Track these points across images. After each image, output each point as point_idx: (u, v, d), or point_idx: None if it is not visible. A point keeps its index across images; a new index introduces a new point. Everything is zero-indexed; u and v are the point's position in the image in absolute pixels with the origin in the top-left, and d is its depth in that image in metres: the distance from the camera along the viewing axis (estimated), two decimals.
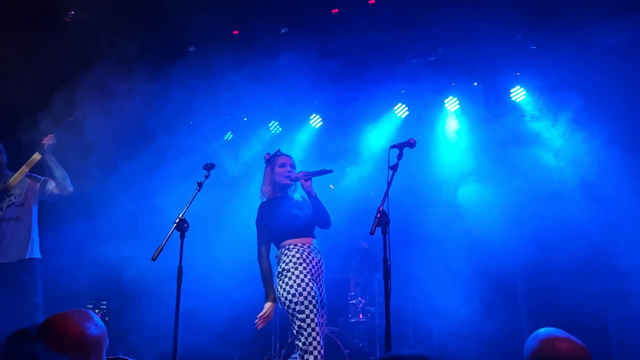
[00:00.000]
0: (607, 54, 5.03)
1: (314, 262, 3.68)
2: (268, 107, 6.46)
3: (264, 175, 4.04)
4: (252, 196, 6.20)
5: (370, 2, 5.22)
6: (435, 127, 6.09)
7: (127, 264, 5.54)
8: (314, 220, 3.83)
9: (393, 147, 3.31)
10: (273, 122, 6.72)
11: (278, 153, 4.07)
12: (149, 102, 5.84)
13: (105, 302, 6.12)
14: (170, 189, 5.59)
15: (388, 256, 2.95)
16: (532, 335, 1.96)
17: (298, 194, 3.95)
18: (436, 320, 5.87)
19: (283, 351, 5.29)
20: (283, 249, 3.73)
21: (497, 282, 5.46)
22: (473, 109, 5.81)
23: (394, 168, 3.21)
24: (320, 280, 3.72)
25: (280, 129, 6.75)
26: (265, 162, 4.07)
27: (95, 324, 1.93)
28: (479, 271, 5.40)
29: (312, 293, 3.50)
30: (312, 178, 3.75)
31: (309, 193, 3.76)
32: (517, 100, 5.70)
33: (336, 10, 5.40)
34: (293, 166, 3.99)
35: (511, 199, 5.14)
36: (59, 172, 4.53)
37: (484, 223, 5.27)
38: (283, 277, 3.60)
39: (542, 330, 1.96)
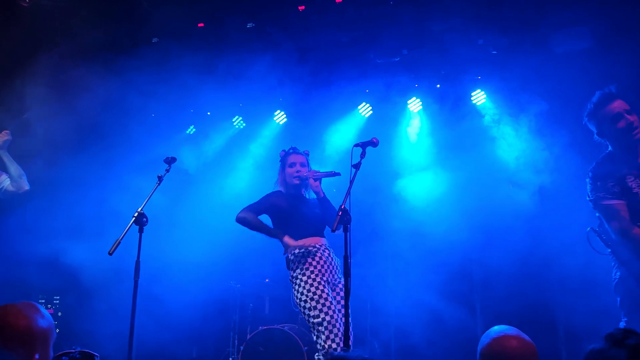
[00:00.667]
0: (563, 61, 5.21)
1: (322, 261, 3.76)
2: (232, 102, 6.40)
3: (278, 174, 4.14)
4: (213, 192, 6.22)
5: (337, 0, 5.24)
6: (398, 127, 6.17)
7: (83, 260, 5.41)
8: (323, 220, 3.91)
9: (356, 145, 3.35)
10: (237, 117, 6.66)
11: (290, 151, 4.12)
12: (109, 93, 5.70)
13: (58, 297, 5.95)
14: (127, 183, 5.48)
15: (349, 254, 2.99)
16: (486, 333, 2.03)
17: (312, 192, 4.01)
18: (394, 316, 5.97)
19: (242, 348, 5.26)
20: (291, 253, 3.81)
21: (453, 277, 5.58)
22: (435, 110, 5.92)
23: (356, 167, 3.25)
24: (335, 275, 3.83)
25: (244, 124, 6.70)
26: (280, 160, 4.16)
27: (42, 315, 1.88)
28: (437, 268, 5.51)
29: (324, 295, 3.61)
30: (321, 179, 3.88)
31: (317, 193, 3.88)
32: (478, 104, 5.84)
33: (303, 7, 5.39)
34: (304, 164, 4.04)
35: (469, 199, 5.27)
36: (14, 168, 4.38)
37: (442, 221, 5.39)
38: (295, 284, 3.75)
39: (495, 328, 2.03)
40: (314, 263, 3.72)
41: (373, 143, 3.37)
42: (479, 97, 5.82)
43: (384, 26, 5.61)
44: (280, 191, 4.06)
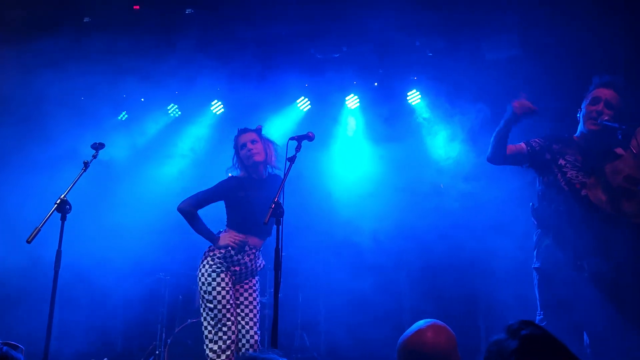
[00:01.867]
0: (496, 67, 5.42)
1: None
2: (168, 89, 6.22)
3: (232, 159, 4.00)
4: (144, 180, 6.02)
5: None
6: (335, 122, 6.22)
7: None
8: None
9: (292, 139, 3.35)
10: (172, 105, 6.48)
11: (237, 134, 3.97)
12: (37, 74, 5.40)
13: None
14: (55, 167, 5.22)
15: (280, 247, 2.98)
16: (411, 327, 2.08)
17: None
18: (324, 309, 6.05)
19: (169, 341, 5.15)
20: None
21: (383, 271, 5.71)
22: (372, 108, 6.01)
23: (291, 160, 3.25)
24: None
25: (180, 112, 6.53)
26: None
27: None
28: (368, 262, 5.61)
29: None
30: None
31: None
32: (413, 104, 5.98)
33: None
34: (255, 141, 3.88)
35: (400, 196, 5.40)
36: None
37: (373, 216, 5.50)
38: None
39: (420, 322, 2.07)
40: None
41: (309, 137, 3.38)
42: (414, 97, 5.97)
43: (325, 22, 5.64)
44: (237, 177, 3.91)
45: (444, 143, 5.60)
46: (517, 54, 5.40)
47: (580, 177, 3.34)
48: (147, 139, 6.39)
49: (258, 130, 4.02)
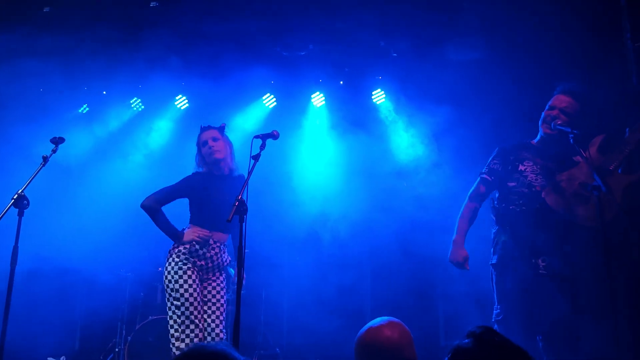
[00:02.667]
0: (460, 69, 5.53)
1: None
2: (131, 83, 6.11)
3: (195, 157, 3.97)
4: (105, 176, 5.91)
5: None
6: (301, 120, 6.24)
7: None
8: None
9: (256, 137, 3.36)
10: (135, 98, 6.38)
11: (200, 131, 3.96)
12: None
13: None
14: (7, 163, 5.07)
15: (243, 244, 2.99)
16: (368, 324, 2.14)
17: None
18: (287, 306, 6.08)
19: (129, 338, 5.09)
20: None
21: (346, 269, 5.77)
22: (337, 106, 6.06)
23: (255, 158, 3.25)
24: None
25: (143, 106, 6.43)
26: None
27: None
28: (331, 259, 5.67)
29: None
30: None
31: None
32: (377, 103, 6.06)
33: None
34: (216, 139, 3.88)
35: (363, 194, 5.47)
36: None
37: (336, 214, 5.57)
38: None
39: (376, 319, 2.14)
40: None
41: (273, 135, 3.38)
42: (379, 96, 6.04)
43: (292, 19, 5.64)
44: (200, 172, 3.87)
45: (407, 143, 5.70)
46: (482, 57, 5.52)
47: (539, 180, 3.53)
48: (109, 133, 6.27)
49: (221, 129, 4.01)
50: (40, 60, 5.42)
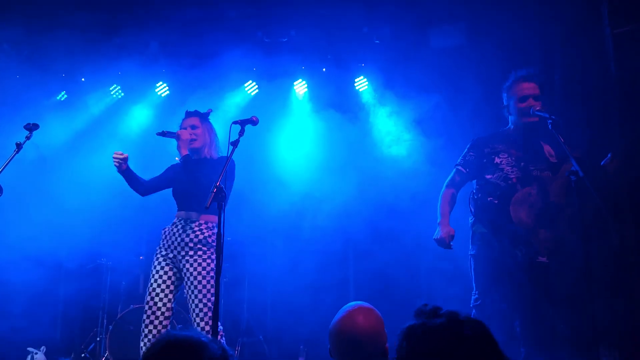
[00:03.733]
0: (442, 56, 5.53)
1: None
2: (110, 69, 6.01)
3: None
4: (84, 164, 5.82)
5: None
6: (283, 107, 6.20)
7: None
8: (192, 190, 3.69)
9: (235, 123, 3.31)
10: (115, 85, 6.28)
11: (184, 116, 3.93)
12: None
13: None
14: None
15: (222, 232, 2.97)
16: (341, 309, 2.12)
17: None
18: (271, 293, 6.08)
19: (110, 327, 5.06)
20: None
21: (329, 255, 5.78)
22: (320, 93, 6.01)
23: (234, 144, 3.21)
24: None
25: (123, 94, 6.33)
26: None
27: None
28: (313, 246, 5.66)
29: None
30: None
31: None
32: (360, 90, 6.04)
33: None
34: (195, 126, 3.84)
35: (347, 181, 5.47)
36: None
37: (320, 201, 5.56)
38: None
39: (350, 304, 2.12)
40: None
41: (252, 121, 3.34)
42: (361, 83, 6.01)
43: (274, 6, 5.58)
44: (181, 157, 3.72)
45: (389, 129, 5.69)
46: (464, 43, 5.53)
47: (515, 171, 3.56)
48: (89, 120, 6.18)
49: (204, 115, 3.93)
50: (15, 47, 5.31)
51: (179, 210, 3.79)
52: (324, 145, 5.82)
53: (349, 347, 2.00)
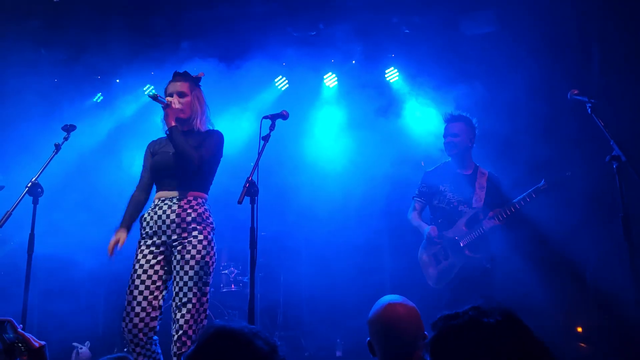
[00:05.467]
0: (472, 43, 5.42)
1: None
2: (143, 70, 6.12)
3: None
4: (126, 162, 5.94)
5: None
6: (314, 101, 6.18)
7: None
8: (176, 164, 3.27)
9: (265, 117, 3.33)
10: (148, 85, 6.39)
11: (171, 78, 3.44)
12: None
13: None
14: (23, 151, 5.14)
15: (255, 225, 2.98)
16: (376, 303, 2.15)
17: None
18: (307, 288, 6.09)
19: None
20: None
21: (366, 250, 5.75)
22: (350, 86, 5.98)
23: (265, 139, 3.23)
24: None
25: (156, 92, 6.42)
26: None
27: None
28: (350, 240, 5.64)
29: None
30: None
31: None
32: (391, 81, 5.97)
33: None
34: (183, 94, 3.35)
35: (379, 175, 5.42)
36: None
37: (354, 195, 5.53)
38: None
39: (386, 297, 2.16)
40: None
41: (283, 115, 3.35)
42: (392, 74, 5.95)
43: None
44: (166, 131, 3.31)
45: (423, 119, 5.61)
46: (494, 30, 5.42)
47: (456, 196, 4.36)
48: (124, 121, 6.30)
49: (193, 80, 3.46)
50: (51, 51, 5.45)
51: (159, 190, 3.31)
52: (356, 137, 5.78)
53: (392, 335, 2.06)
